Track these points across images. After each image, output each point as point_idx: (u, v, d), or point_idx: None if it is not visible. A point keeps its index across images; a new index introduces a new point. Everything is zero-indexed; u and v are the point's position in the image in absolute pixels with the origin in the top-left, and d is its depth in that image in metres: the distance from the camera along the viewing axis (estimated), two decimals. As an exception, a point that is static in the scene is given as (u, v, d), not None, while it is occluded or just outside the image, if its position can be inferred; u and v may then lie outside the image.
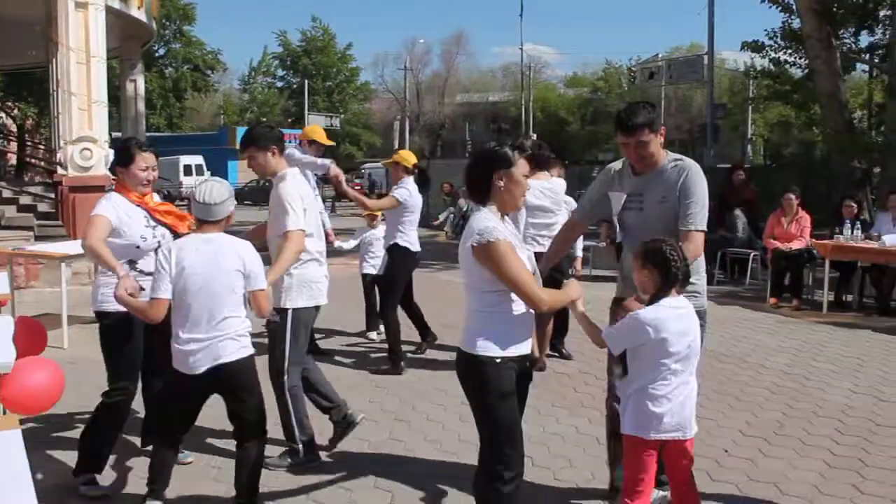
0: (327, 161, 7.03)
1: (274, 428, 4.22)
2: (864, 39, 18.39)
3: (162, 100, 51.04)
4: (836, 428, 5.23)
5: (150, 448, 4.58)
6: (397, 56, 59.90)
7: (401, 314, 6.99)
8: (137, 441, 4.71)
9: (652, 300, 3.22)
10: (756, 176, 15.36)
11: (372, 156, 57.53)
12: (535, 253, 4.08)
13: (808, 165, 22.94)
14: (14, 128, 36.04)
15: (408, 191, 6.73)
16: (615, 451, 4.01)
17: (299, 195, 4.44)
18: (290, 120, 58.52)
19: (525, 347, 3.19)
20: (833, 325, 8.61)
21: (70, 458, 4.25)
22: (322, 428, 4.82)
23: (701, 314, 3.53)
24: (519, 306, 3.12)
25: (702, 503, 3.47)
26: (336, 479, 4.38)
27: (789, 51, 17.59)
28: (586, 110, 54.13)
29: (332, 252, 8.11)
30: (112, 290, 3.97)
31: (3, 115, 37.50)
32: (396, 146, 47.22)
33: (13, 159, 28.20)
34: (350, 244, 8.25)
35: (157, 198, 4.46)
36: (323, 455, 4.65)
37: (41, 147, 28.59)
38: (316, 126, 7.91)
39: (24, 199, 13.89)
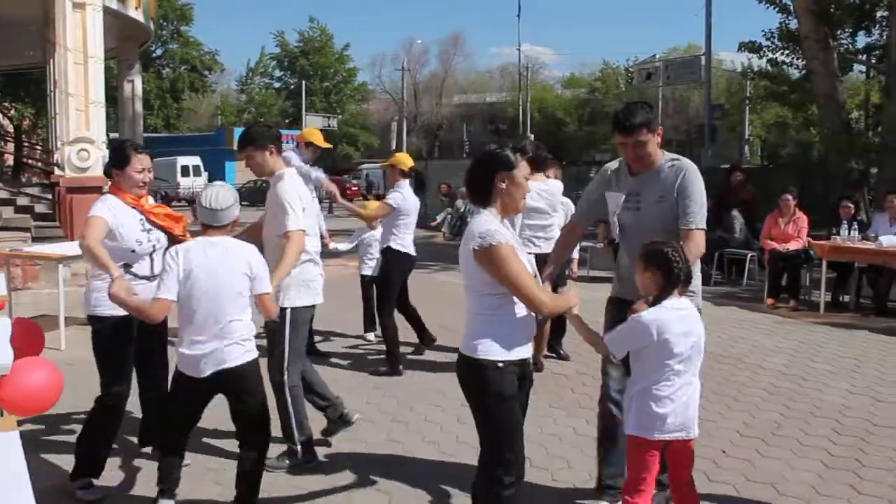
0: (321, 175, 7.05)
1: (272, 429, 4.21)
2: (862, 40, 18.48)
3: (159, 100, 51.00)
4: (833, 428, 5.24)
5: (148, 450, 4.62)
6: (395, 57, 60.04)
7: (399, 316, 7.00)
8: (136, 441, 4.71)
9: (654, 302, 3.23)
10: (753, 176, 15.39)
11: (369, 156, 57.57)
12: (531, 254, 4.09)
13: (805, 166, 22.98)
14: (11, 128, 35.98)
15: (401, 194, 6.72)
16: (605, 450, 4.06)
17: (298, 195, 4.45)
18: (287, 121, 58.47)
19: (527, 351, 3.17)
20: (830, 325, 8.62)
21: (68, 459, 4.24)
22: (320, 428, 4.84)
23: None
24: (520, 309, 3.10)
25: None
26: (334, 481, 4.39)
27: (786, 51, 17.60)
28: (584, 111, 54.18)
29: (329, 253, 8.14)
30: (104, 293, 3.98)
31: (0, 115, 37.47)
32: (394, 147, 47.29)
33: (10, 160, 28.16)
34: (345, 246, 8.25)
35: (151, 200, 4.45)
36: (321, 456, 4.65)
37: (38, 148, 28.56)
38: (313, 128, 7.91)
39: (22, 200, 13.88)
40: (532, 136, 40.40)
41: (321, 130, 8.10)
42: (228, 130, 47.89)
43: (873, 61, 18.94)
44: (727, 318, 8.90)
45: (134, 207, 4.20)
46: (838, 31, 16.65)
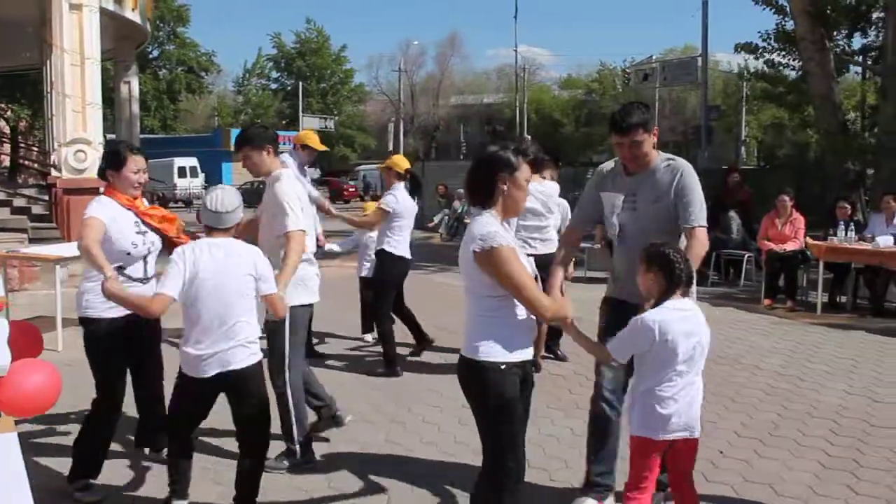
0: (314, 192, 7.07)
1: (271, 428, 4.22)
2: (858, 41, 18.52)
3: (156, 101, 50.98)
4: (830, 429, 5.25)
5: (145, 451, 4.61)
6: (392, 58, 60.03)
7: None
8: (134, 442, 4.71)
9: (656, 303, 3.25)
10: (750, 177, 15.41)
11: (366, 157, 57.58)
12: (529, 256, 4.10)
13: (801, 167, 23.04)
14: (7, 130, 35.91)
15: (395, 197, 6.71)
16: (595, 449, 4.09)
17: (296, 195, 4.47)
18: (284, 122, 58.52)
19: (528, 353, 3.15)
20: (827, 326, 8.64)
21: (66, 460, 4.23)
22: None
23: None
24: (521, 311, 3.08)
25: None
26: (333, 481, 4.39)
27: (783, 53, 17.64)
28: (580, 112, 54.24)
29: (327, 254, 8.14)
30: (96, 295, 3.97)
31: (-4, 116, 37.43)
32: (391, 148, 47.23)
33: (6, 161, 28.11)
34: (338, 247, 8.24)
35: (145, 202, 4.44)
36: (320, 456, 4.65)
37: (35, 149, 28.49)
38: (309, 131, 7.91)
39: (18, 202, 13.86)
40: (529, 136, 40.44)
41: (318, 132, 8.11)
42: (225, 132, 47.92)
43: (869, 63, 18.99)
44: (724, 319, 8.91)
45: (129, 209, 4.19)
46: (834, 33, 16.68)
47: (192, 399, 3.74)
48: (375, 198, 11.38)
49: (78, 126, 12.40)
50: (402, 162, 6.94)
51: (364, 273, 7.76)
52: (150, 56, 48.74)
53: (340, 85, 62.37)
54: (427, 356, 7.17)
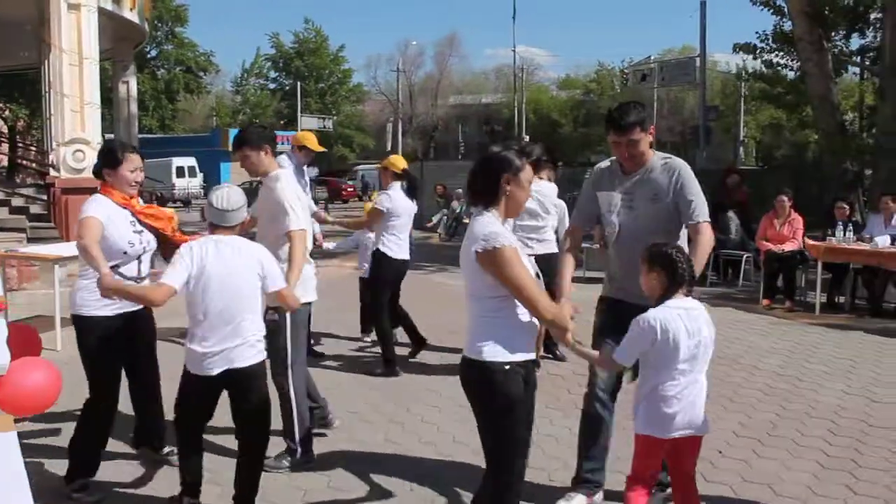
0: (311, 203, 7.08)
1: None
2: (855, 42, 18.52)
3: (154, 101, 50.90)
4: (829, 429, 5.26)
5: (145, 451, 4.61)
6: (390, 58, 60.06)
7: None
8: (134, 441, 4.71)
9: (658, 301, 3.28)
10: (748, 178, 15.41)
11: (365, 157, 57.57)
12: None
13: (799, 167, 23.09)
14: (5, 129, 35.89)
15: (388, 196, 6.70)
16: (587, 447, 4.13)
17: (296, 195, 4.53)
18: (282, 122, 58.48)
19: (531, 353, 3.13)
20: (825, 326, 8.64)
21: (65, 460, 4.23)
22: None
23: None
24: (523, 311, 3.06)
25: (698, 503, 3.51)
26: (332, 481, 4.39)
27: (781, 53, 17.66)
28: (579, 112, 54.32)
29: (327, 254, 8.13)
30: (90, 293, 3.98)
31: (-6, 116, 37.40)
32: (389, 148, 47.25)
33: (4, 161, 28.10)
34: (333, 246, 8.23)
35: (140, 202, 4.43)
36: (318, 456, 4.65)
37: (33, 149, 28.49)
38: (307, 132, 7.90)
39: (17, 201, 13.84)
40: (527, 137, 40.48)
41: (316, 132, 8.11)
42: (223, 131, 47.85)
43: (867, 63, 19.00)
44: (723, 319, 8.91)
45: (125, 207, 4.19)
46: (832, 33, 16.70)
47: (196, 397, 3.74)
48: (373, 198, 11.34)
49: (76, 126, 12.39)
50: (398, 162, 6.92)
51: (363, 274, 7.75)
52: (149, 56, 48.67)
53: (339, 85, 62.32)
54: (426, 356, 7.17)
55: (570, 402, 5.85)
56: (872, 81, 20.17)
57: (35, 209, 13.56)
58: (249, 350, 3.67)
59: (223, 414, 3.88)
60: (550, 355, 7.07)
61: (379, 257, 6.69)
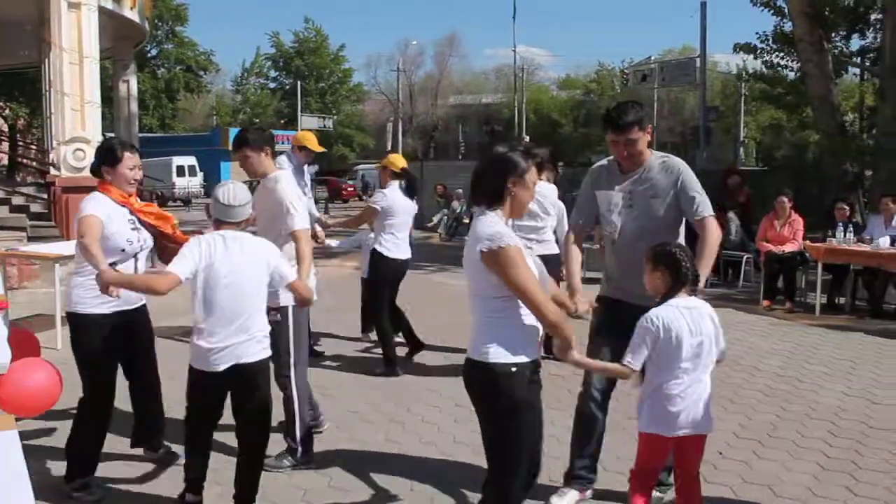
0: (313, 210, 7.08)
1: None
2: (856, 43, 18.52)
3: (154, 100, 50.90)
4: (829, 430, 5.26)
5: (142, 451, 4.59)
6: (390, 57, 60.09)
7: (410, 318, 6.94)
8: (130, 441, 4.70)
9: (661, 300, 3.31)
10: (748, 179, 15.42)
11: (365, 157, 57.55)
12: None
13: (800, 168, 23.08)
14: (6, 128, 35.87)
15: (384, 195, 6.69)
16: (579, 444, 4.16)
17: (297, 194, 4.56)
18: (282, 121, 58.49)
19: (535, 354, 3.11)
20: (826, 327, 8.64)
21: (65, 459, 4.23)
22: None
23: None
24: (526, 311, 3.03)
25: None
26: (332, 481, 4.39)
27: (781, 54, 17.66)
28: (579, 112, 54.31)
29: (328, 254, 8.12)
30: (85, 291, 3.98)
31: (-6, 115, 37.38)
32: (389, 148, 47.22)
33: (5, 159, 28.07)
34: (336, 244, 8.22)
35: (137, 200, 4.42)
36: (319, 456, 4.65)
37: (33, 147, 28.47)
38: (307, 132, 7.89)
39: (17, 200, 13.84)
40: (527, 137, 40.47)
41: (316, 131, 8.10)
42: (224, 131, 47.84)
43: (867, 64, 19.00)
44: (723, 320, 8.72)
45: (123, 205, 4.17)
46: (832, 34, 16.70)
47: (203, 393, 3.75)
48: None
49: (77, 125, 12.39)
50: (397, 161, 6.90)
51: (364, 274, 7.74)
52: (149, 55, 48.68)
53: (339, 84, 62.32)
54: (426, 356, 7.16)
55: (570, 402, 5.79)
56: (873, 82, 20.18)
57: (35, 208, 13.56)
58: (256, 346, 3.69)
59: (223, 414, 3.88)
60: (550, 355, 7.05)
61: (377, 257, 6.68)
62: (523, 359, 3.03)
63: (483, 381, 3.05)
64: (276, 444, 4.41)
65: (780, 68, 18.10)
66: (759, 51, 17.58)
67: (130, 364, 4.37)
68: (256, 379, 3.74)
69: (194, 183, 40.83)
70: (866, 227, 10.09)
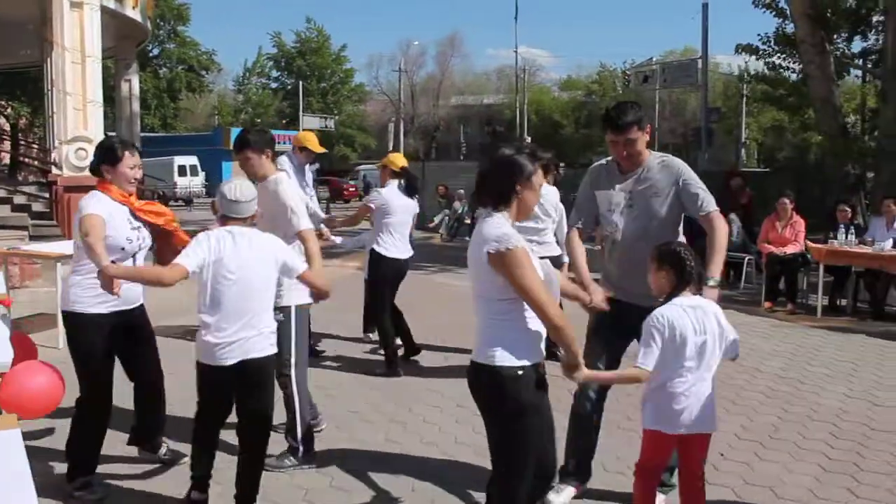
0: (318, 211, 7.07)
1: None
2: (857, 45, 18.52)
3: (156, 100, 50.95)
4: (830, 432, 5.26)
5: (140, 450, 4.58)
6: (392, 58, 60.10)
7: (412, 318, 6.91)
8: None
9: (666, 299, 3.34)
10: (750, 180, 15.42)
11: (366, 157, 57.56)
12: None
13: (802, 170, 23.07)
14: (7, 127, 35.88)
15: (379, 193, 6.68)
16: (574, 442, 4.17)
17: (298, 195, 4.61)
18: (284, 121, 58.53)
19: (541, 357, 3.09)
20: (827, 329, 8.64)
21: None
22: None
23: None
24: (531, 313, 3.02)
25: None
26: (333, 481, 4.39)
27: (783, 55, 17.65)
28: (580, 113, 54.31)
29: (329, 254, 8.10)
30: (83, 290, 3.99)
31: (-4, 114, 37.38)
32: (391, 148, 47.22)
33: (6, 158, 28.08)
34: (341, 241, 8.20)
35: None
36: (320, 456, 4.65)
37: (35, 147, 28.47)
38: (308, 133, 7.89)
39: (19, 199, 13.84)
40: (529, 138, 40.45)
41: (318, 131, 8.10)
42: (225, 130, 47.83)
43: (869, 66, 18.99)
44: (724, 322, 8.89)
45: (123, 204, 4.16)
46: (834, 36, 16.69)
47: (210, 388, 3.76)
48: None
49: (79, 124, 12.39)
50: (397, 160, 6.89)
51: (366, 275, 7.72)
52: (151, 54, 48.73)
53: (341, 84, 62.36)
54: (427, 356, 7.16)
55: (570, 402, 5.83)
56: (874, 84, 20.18)
57: (37, 207, 13.55)
58: (264, 341, 3.72)
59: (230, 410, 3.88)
60: (550, 356, 7.04)
61: (375, 257, 6.67)
62: (529, 361, 3.02)
63: (489, 385, 3.03)
64: (276, 444, 4.42)
65: (781, 70, 18.11)
66: (760, 52, 17.58)
67: (132, 364, 4.36)
68: (262, 374, 3.76)
69: (196, 182, 40.83)
70: (868, 229, 10.09)
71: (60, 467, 4.28)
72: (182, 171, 40.42)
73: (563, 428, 5.24)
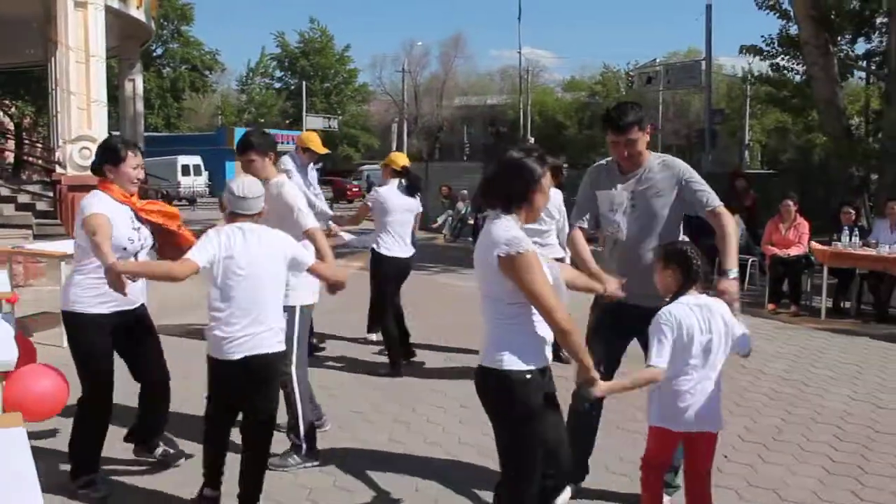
0: (325, 208, 7.08)
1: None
2: (861, 46, 18.48)
3: (160, 100, 51.02)
4: (834, 434, 5.25)
5: (136, 450, 4.56)
6: (395, 58, 59.98)
7: (414, 318, 6.90)
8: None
9: (672, 298, 3.37)
10: (754, 182, 15.40)
11: (370, 157, 57.55)
12: None
13: (805, 171, 23.03)
14: (11, 126, 35.96)
15: (377, 192, 6.68)
16: (573, 440, 4.11)
17: (301, 196, 4.63)
18: (287, 121, 58.56)
19: (546, 359, 3.08)
20: (831, 331, 8.62)
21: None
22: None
23: None
24: (539, 317, 2.99)
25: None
26: (336, 481, 4.39)
27: (787, 57, 17.64)
28: (584, 114, 54.23)
29: (336, 253, 8.08)
30: (84, 290, 4.00)
31: (0, 113, 37.45)
32: (394, 148, 47.23)
33: (11, 158, 28.15)
34: (349, 237, 8.20)
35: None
36: (323, 456, 4.65)
37: (39, 146, 28.53)
38: (311, 133, 7.88)
39: (23, 198, 13.88)
40: (532, 138, 40.45)
41: (321, 131, 8.10)
42: (229, 130, 47.89)
43: (873, 68, 18.96)
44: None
45: (124, 204, 4.15)
46: (838, 37, 16.66)
47: (218, 382, 3.78)
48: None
49: (83, 123, 12.42)
50: (398, 159, 6.89)
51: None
52: (155, 54, 48.78)
53: (344, 85, 62.40)
54: (431, 357, 7.15)
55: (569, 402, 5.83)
56: (878, 86, 20.14)
57: (41, 206, 13.59)
58: (272, 337, 3.73)
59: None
60: (555, 359, 7.03)
61: (376, 257, 6.67)
62: (537, 365, 3.00)
63: (498, 389, 3.01)
64: (279, 443, 4.42)
65: (785, 71, 18.09)
66: (764, 53, 17.56)
67: (136, 365, 4.34)
68: (270, 370, 3.78)
69: (199, 182, 40.87)
70: (872, 231, 10.07)
71: (65, 465, 4.28)
72: (185, 170, 40.45)
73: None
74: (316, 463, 4.55)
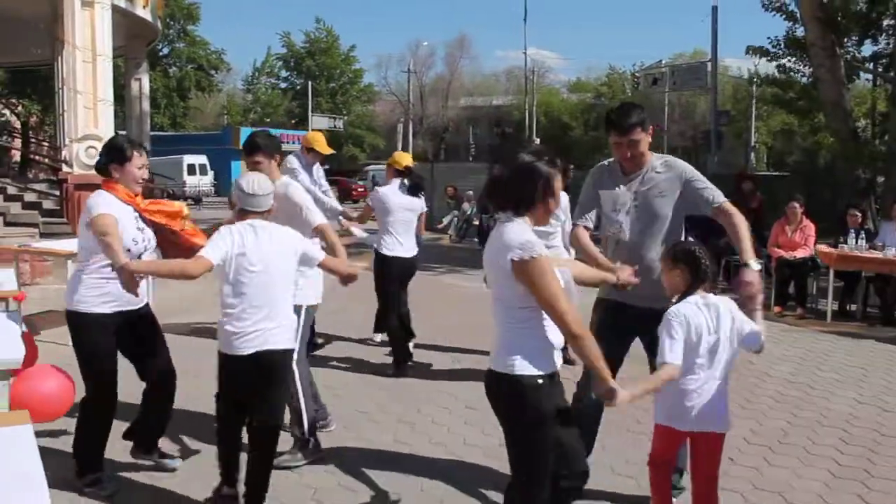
0: (335, 204, 7.12)
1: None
2: (868, 48, 18.44)
3: (166, 99, 51.08)
4: (840, 437, 5.24)
5: (132, 450, 4.55)
6: (401, 58, 59.98)
7: (417, 318, 6.89)
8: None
9: (680, 298, 3.39)
10: (760, 184, 15.37)
11: (375, 158, 57.53)
12: None
13: (812, 174, 22.96)
14: (18, 125, 36.06)
15: (378, 192, 6.69)
16: None
17: (306, 195, 4.69)
18: (293, 121, 58.59)
19: (556, 364, 3.06)
20: (837, 334, 8.60)
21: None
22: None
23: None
24: (550, 322, 2.97)
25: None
26: (341, 481, 4.40)
27: (793, 58, 17.60)
28: (589, 115, 54.15)
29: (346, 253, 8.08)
30: (88, 289, 4.01)
31: (6, 112, 37.56)
32: (399, 148, 47.24)
33: (17, 156, 28.22)
34: (359, 232, 8.21)
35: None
36: (327, 456, 4.65)
37: (45, 144, 28.61)
38: (316, 134, 7.88)
39: (29, 197, 13.91)
40: (538, 139, 40.42)
41: (327, 131, 8.12)
42: (235, 130, 47.93)
43: (880, 70, 18.92)
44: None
45: (128, 204, 4.16)
46: (845, 39, 16.63)
47: (228, 377, 3.79)
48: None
49: (89, 122, 12.44)
50: (402, 158, 6.89)
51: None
52: (161, 53, 48.84)
53: (350, 85, 62.38)
54: (435, 357, 7.15)
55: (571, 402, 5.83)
56: (885, 88, 20.09)
57: (48, 204, 13.62)
58: (282, 334, 3.75)
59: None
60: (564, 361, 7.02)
61: (379, 257, 6.67)
62: (548, 370, 2.98)
63: (509, 394, 2.98)
64: (284, 443, 4.42)
65: (791, 73, 18.05)
66: (770, 54, 17.53)
67: (141, 365, 4.33)
68: (279, 367, 3.80)
69: (205, 181, 40.96)
70: (878, 234, 10.05)
71: (71, 463, 4.28)
72: (191, 169, 40.55)
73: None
74: (321, 454, 4.57)
